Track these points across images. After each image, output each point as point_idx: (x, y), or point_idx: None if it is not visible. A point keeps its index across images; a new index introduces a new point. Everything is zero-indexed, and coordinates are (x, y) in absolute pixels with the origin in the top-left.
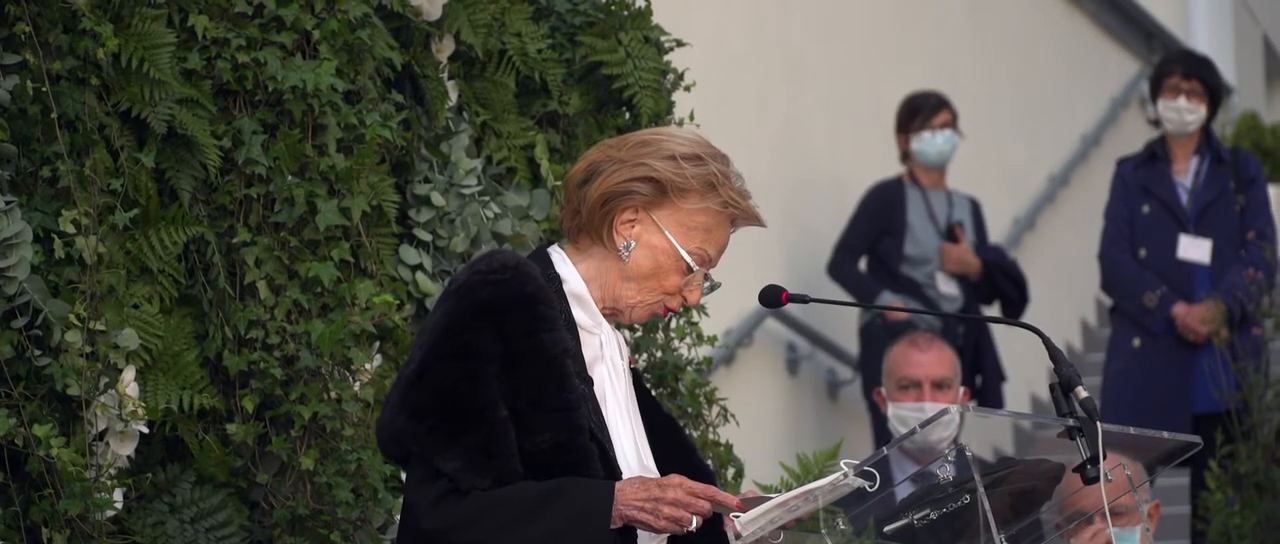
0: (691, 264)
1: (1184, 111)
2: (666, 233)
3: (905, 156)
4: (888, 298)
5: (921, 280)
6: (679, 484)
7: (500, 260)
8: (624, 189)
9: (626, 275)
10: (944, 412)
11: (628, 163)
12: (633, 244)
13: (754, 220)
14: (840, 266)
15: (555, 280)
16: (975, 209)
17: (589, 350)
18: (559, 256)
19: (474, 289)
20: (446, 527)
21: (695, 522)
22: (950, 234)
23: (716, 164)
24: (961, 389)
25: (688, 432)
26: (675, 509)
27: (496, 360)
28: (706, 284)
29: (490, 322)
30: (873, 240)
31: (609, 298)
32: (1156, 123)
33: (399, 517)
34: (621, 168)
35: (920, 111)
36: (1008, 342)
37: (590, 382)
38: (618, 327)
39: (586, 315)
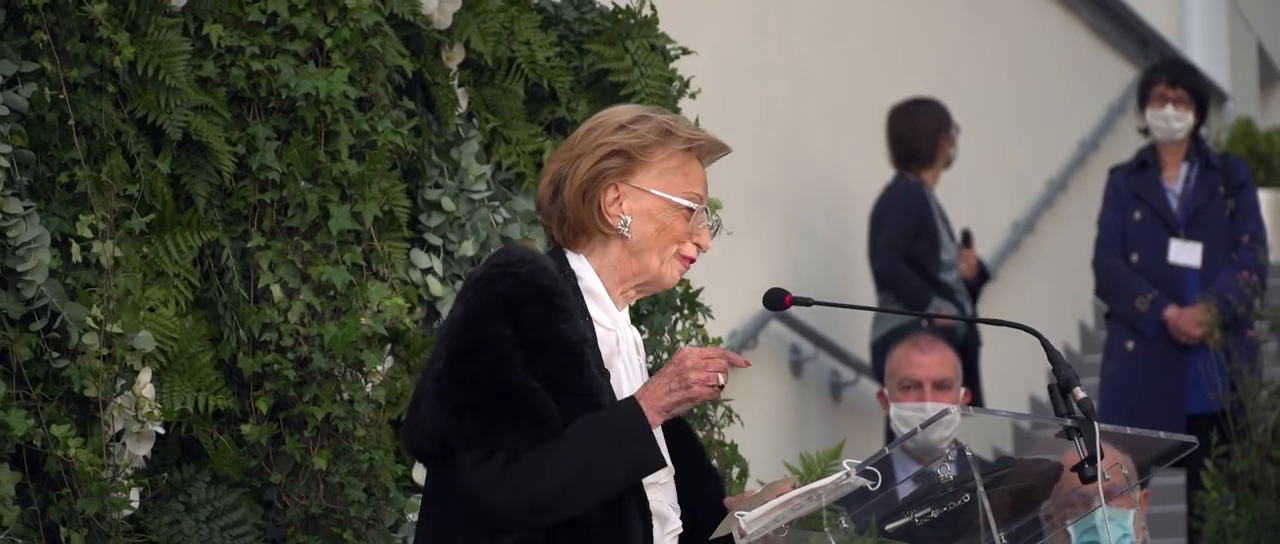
0: (689, 205)
1: (1171, 119)
2: (652, 191)
3: (936, 156)
4: (937, 304)
5: (954, 286)
6: (687, 354)
7: (516, 254)
8: (595, 172)
9: (636, 249)
10: (944, 412)
11: (586, 153)
12: (628, 219)
13: (719, 146)
14: (894, 270)
15: (571, 277)
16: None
17: (606, 346)
18: (573, 256)
19: (492, 282)
20: (509, 497)
21: (722, 380)
22: (966, 239)
23: (662, 115)
24: (963, 390)
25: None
26: (699, 374)
27: (520, 348)
28: (711, 222)
29: (510, 313)
30: (910, 243)
31: (631, 278)
32: (1146, 131)
33: (423, 509)
34: (582, 159)
35: (949, 115)
36: (1008, 343)
37: (608, 375)
38: (632, 323)
39: (602, 312)
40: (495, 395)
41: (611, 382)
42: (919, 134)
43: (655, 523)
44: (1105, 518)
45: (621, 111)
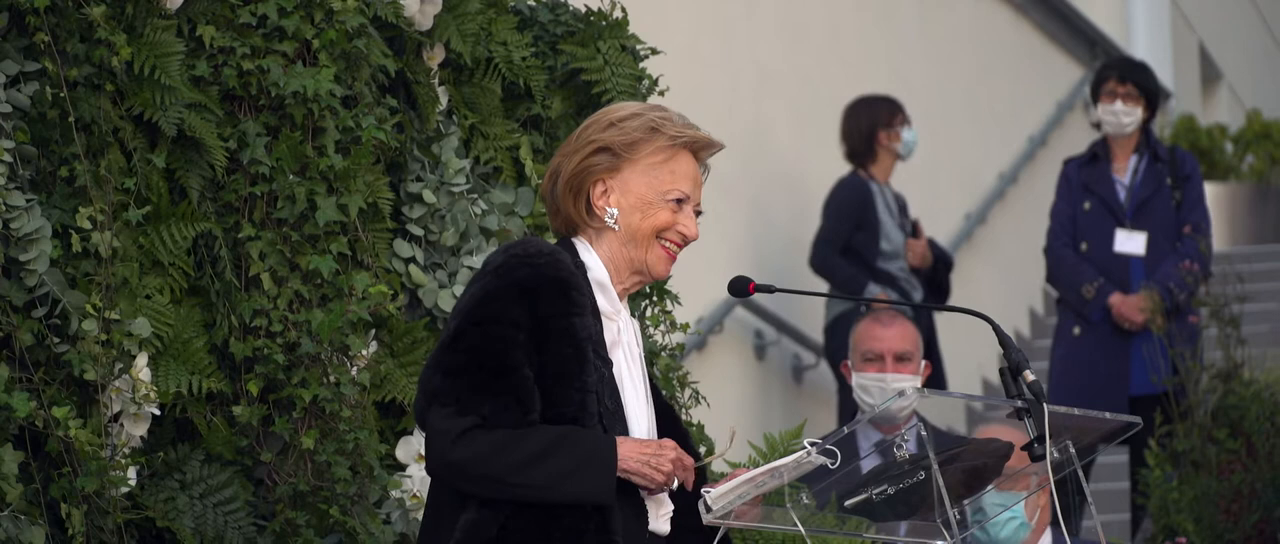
0: (670, 199)
1: (1121, 114)
2: (636, 185)
3: (876, 152)
4: (873, 291)
5: (896, 274)
6: (673, 447)
7: (536, 246)
8: (583, 168)
9: (625, 240)
10: (901, 392)
11: (579, 150)
12: (615, 211)
13: (707, 143)
14: (826, 260)
15: (581, 268)
16: (902, 200)
17: (609, 334)
18: (582, 246)
19: (511, 269)
20: (469, 458)
21: (675, 483)
22: (914, 230)
23: (652, 113)
24: (923, 363)
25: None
26: (673, 468)
27: (527, 332)
28: (698, 214)
29: (525, 299)
30: (849, 235)
31: (628, 267)
32: (1098, 125)
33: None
34: (574, 155)
35: (898, 109)
36: (961, 328)
37: (610, 364)
38: (633, 314)
39: (607, 302)
40: (491, 369)
41: (613, 371)
42: (856, 132)
43: (650, 505)
44: (1003, 502)
45: (617, 109)
